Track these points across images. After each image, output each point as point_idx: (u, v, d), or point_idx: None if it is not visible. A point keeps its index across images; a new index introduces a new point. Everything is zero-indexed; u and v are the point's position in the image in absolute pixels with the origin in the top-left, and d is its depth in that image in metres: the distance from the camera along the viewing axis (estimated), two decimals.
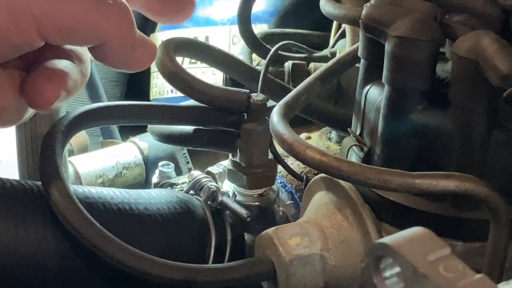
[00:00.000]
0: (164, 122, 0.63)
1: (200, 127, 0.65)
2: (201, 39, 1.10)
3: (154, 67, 1.15)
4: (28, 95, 0.46)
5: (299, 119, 0.72)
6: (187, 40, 0.67)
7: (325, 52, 0.85)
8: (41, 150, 0.53)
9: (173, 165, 0.73)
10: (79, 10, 0.45)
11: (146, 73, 1.16)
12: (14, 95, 0.46)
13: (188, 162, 0.90)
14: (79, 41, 0.47)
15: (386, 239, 0.32)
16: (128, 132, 0.96)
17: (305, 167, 0.74)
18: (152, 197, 0.60)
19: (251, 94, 0.62)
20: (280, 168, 0.69)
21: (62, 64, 0.49)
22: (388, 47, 0.53)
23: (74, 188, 0.55)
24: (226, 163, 0.66)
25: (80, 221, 0.51)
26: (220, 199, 0.62)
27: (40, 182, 0.54)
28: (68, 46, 0.49)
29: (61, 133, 0.54)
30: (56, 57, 0.50)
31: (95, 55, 0.49)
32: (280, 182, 0.71)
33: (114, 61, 0.50)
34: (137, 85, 1.22)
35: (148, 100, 1.15)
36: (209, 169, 0.68)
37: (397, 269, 0.32)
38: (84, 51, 0.50)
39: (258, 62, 0.88)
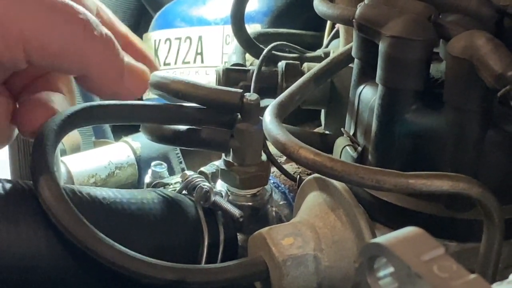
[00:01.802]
0: (157, 122, 0.63)
1: (193, 127, 0.64)
2: (194, 38, 1.10)
3: None
4: (19, 124, 0.47)
5: (292, 119, 0.72)
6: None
7: (319, 52, 0.85)
8: (32, 149, 0.53)
9: (166, 165, 0.72)
10: (66, 36, 0.45)
11: None
12: (4, 121, 0.47)
13: (181, 162, 0.90)
14: (63, 66, 0.47)
15: (380, 239, 0.32)
16: (120, 131, 0.95)
17: (298, 168, 0.74)
18: (145, 197, 0.60)
19: (245, 94, 0.62)
20: (273, 168, 0.69)
21: (55, 98, 0.49)
22: (382, 47, 0.53)
23: (65, 187, 0.55)
24: (219, 163, 0.66)
25: (71, 221, 0.50)
26: (213, 199, 0.61)
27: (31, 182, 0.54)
28: (58, 77, 0.50)
29: (53, 132, 0.54)
30: (47, 88, 0.50)
31: (82, 84, 0.50)
32: (273, 182, 0.71)
33: (101, 91, 0.50)
34: None
35: (141, 99, 1.14)
36: (202, 169, 0.67)
37: (391, 269, 0.32)
38: (72, 83, 0.51)
39: (252, 62, 0.88)
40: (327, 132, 0.81)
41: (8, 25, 0.43)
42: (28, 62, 0.46)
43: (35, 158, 0.52)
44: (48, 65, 0.47)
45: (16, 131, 0.49)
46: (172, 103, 0.63)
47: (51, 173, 0.52)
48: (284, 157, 0.74)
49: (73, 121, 0.55)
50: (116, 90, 0.49)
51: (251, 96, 0.62)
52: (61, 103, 0.50)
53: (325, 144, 0.72)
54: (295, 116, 0.68)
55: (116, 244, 0.51)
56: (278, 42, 0.82)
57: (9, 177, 0.66)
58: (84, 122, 0.57)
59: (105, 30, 0.48)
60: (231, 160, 0.64)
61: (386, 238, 0.32)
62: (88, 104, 0.58)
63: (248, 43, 0.85)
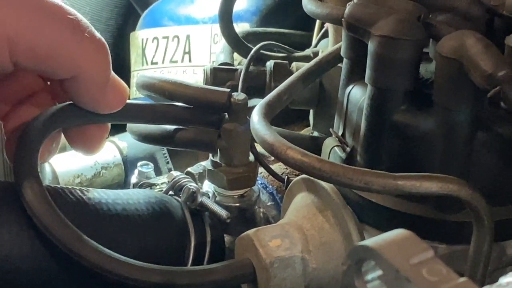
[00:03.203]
0: (143, 121, 0.62)
1: (180, 127, 0.64)
2: (182, 37, 1.09)
3: (134, 66, 1.14)
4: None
5: (280, 119, 0.71)
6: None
7: (308, 51, 0.85)
8: (16, 148, 0.52)
9: (152, 165, 0.72)
10: (55, 37, 0.44)
11: (126, 73, 1.15)
12: None
13: (168, 163, 0.89)
14: (52, 69, 0.46)
15: (368, 242, 0.32)
16: None
17: (286, 168, 0.73)
18: (130, 198, 0.59)
19: (232, 93, 0.61)
20: (261, 169, 0.68)
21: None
22: (371, 46, 0.52)
23: (49, 187, 0.54)
24: (206, 164, 0.65)
25: (54, 223, 0.49)
26: (200, 200, 0.61)
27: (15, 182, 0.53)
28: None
29: (37, 131, 0.53)
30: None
31: (66, 89, 0.49)
32: (261, 183, 0.70)
33: (84, 98, 0.49)
34: None
35: (128, 99, 1.14)
36: (189, 169, 0.67)
37: (379, 272, 0.32)
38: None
39: (240, 62, 0.87)
40: (315, 132, 0.80)
41: None
42: (15, 64, 0.45)
43: (19, 157, 0.51)
44: (35, 67, 0.46)
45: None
46: (159, 103, 0.62)
47: (35, 173, 0.51)
48: (272, 158, 0.73)
49: (58, 119, 0.55)
50: (99, 100, 0.48)
51: (238, 95, 0.61)
52: None
53: (314, 147, 0.72)
54: (283, 116, 0.67)
55: (100, 246, 0.50)
56: (267, 42, 0.82)
57: None
58: (70, 120, 0.56)
59: (97, 34, 0.47)
60: (218, 161, 0.63)
61: (374, 240, 0.32)
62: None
63: (236, 42, 0.84)
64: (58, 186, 0.56)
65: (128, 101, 0.57)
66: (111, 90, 0.48)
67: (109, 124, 0.55)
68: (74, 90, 0.48)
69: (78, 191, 0.56)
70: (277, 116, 0.60)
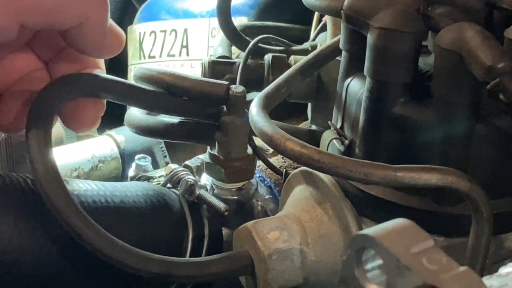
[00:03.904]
0: (143, 106, 0.61)
1: (178, 120, 0.63)
2: (180, 31, 1.09)
3: (131, 60, 1.14)
4: None
5: (278, 113, 0.71)
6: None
7: (306, 45, 0.85)
8: (27, 119, 0.51)
9: (150, 158, 0.71)
10: None
11: (123, 66, 1.14)
12: None
13: (165, 156, 0.89)
14: (59, 21, 0.46)
15: (368, 231, 0.32)
16: (104, 125, 0.94)
17: (284, 161, 0.73)
18: (128, 190, 0.59)
19: (231, 86, 0.61)
20: (259, 162, 0.68)
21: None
22: (370, 38, 0.52)
23: None
24: (204, 157, 0.65)
25: (61, 201, 0.49)
26: (198, 192, 0.61)
27: (14, 173, 0.53)
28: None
29: (49, 103, 0.52)
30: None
31: (68, 37, 0.48)
32: (259, 176, 0.70)
33: (87, 45, 0.49)
34: None
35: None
36: (187, 162, 0.66)
37: (379, 262, 0.32)
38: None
39: (238, 55, 0.87)
40: (313, 126, 0.80)
41: None
42: (22, 25, 0.45)
43: (31, 128, 0.50)
44: (42, 23, 0.46)
45: None
46: (160, 91, 0.62)
47: (48, 149, 0.50)
48: (270, 151, 0.73)
49: (69, 89, 0.53)
50: (101, 45, 0.48)
51: (237, 88, 0.61)
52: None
53: (312, 140, 0.72)
54: (281, 110, 0.67)
55: (105, 231, 0.50)
56: (265, 35, 0.81)
57: None
58: (76, 92, 0.55)
59: None
60: (216, 154, 0.63)
61: (374, 229, 0.32)
62: (80, 74, 0.56)
63: (235, 36, 0.84)
64: None
65: (131, 83, 0.57)
66: (110, 34, 0.48)
67: (105, 102, 0.54)
68: (80, 37, 0.47)
69: (75, 183, 0.56)
70: (275, 110, 0.60)
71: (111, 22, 0.48)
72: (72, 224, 0.49)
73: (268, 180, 0.70)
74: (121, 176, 0.86)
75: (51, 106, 0.51)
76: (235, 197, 0.64)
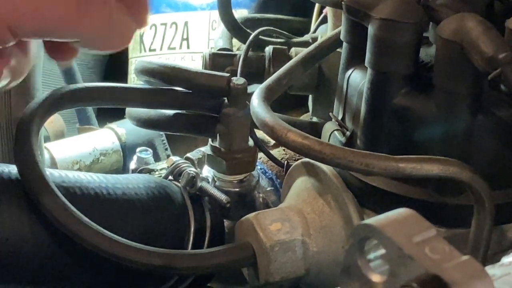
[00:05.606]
0: (143, 105, 0.62)
1: (179, 112, 0.63)
2: (180, 24, 1.09)
3: (132, 53, 1.13)
4: None
5: (279, 105, 0.71)
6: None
7: (306, 37, 0.84)
8: (16, 132, 0.52)
9: (151, 151, 0.71)
10: (60, 11, 0.44)
11: (124, 60, 1.14)
12: None
13: (166, 149, 0.89)
14: (55, 39, 0.46)
15: (371, 220, 0.32)
16: (105, 118, 0.94)
17: (286, 153, 0.73)
18: (130, 182, 0.59)
19: (232, 78, 0.61)
20: (260, 154, 0.68)
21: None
22: (371, 29, 0.52)
23: (50, 172, 0.54)
24: (205, 149, 0.65)
25: (56, 206, 0.49)
26: (200, 184, 0.61)
27: (15, 166, 0.53)
28: None
29: (36, 115, 0.53)
30: None
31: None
32: (261, 168, 0.70)
33: (93, 49, 0.48)
34: (114, 71, 1.20)
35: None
36: (188, 155, 0.66)
37: (382, 251, 0.32)
38: None
39: (238, 47, 0.87)
40: (314, 118, 0.80)
41: None
42: (16, 38, 0.45)
43: (19, 141, 0.51)
44: (39, 38, 0.46)
45: None
46: (159, 87, 0.62)
47: (35, 156, 0.51)
48: (271, 143, 0.73)
49: (58, 102, 0.54)
50: (104, 43, 0.48)
51: (238, 80, 0.61)
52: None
53: (313, 132, 0.72)
54: (282, 102, 0.67)
55: (101, 229, 0.50)
56: (265, 28, 0.81)
57: None
58: (68, 104, 0.56)
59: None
60: (218, 146, 0.63)
61: (377, 219, 0.32)
62: (73, 86, 0.57)
63: (235, 28, 0.84)
64: (57, 170, 0.56)
65: (126, 85, 0.57)
66: (117, 27, 0.47)
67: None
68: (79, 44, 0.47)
69: (77, 175, 0.56)
70: (276, 102, 0.60)
71: (120, 15, 0.47)
72: (68, 226, 0.49)
73: (270, 172, 0.70)
74: (123, 169, 0.86)
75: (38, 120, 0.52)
76: (237, 189, 0.64)
